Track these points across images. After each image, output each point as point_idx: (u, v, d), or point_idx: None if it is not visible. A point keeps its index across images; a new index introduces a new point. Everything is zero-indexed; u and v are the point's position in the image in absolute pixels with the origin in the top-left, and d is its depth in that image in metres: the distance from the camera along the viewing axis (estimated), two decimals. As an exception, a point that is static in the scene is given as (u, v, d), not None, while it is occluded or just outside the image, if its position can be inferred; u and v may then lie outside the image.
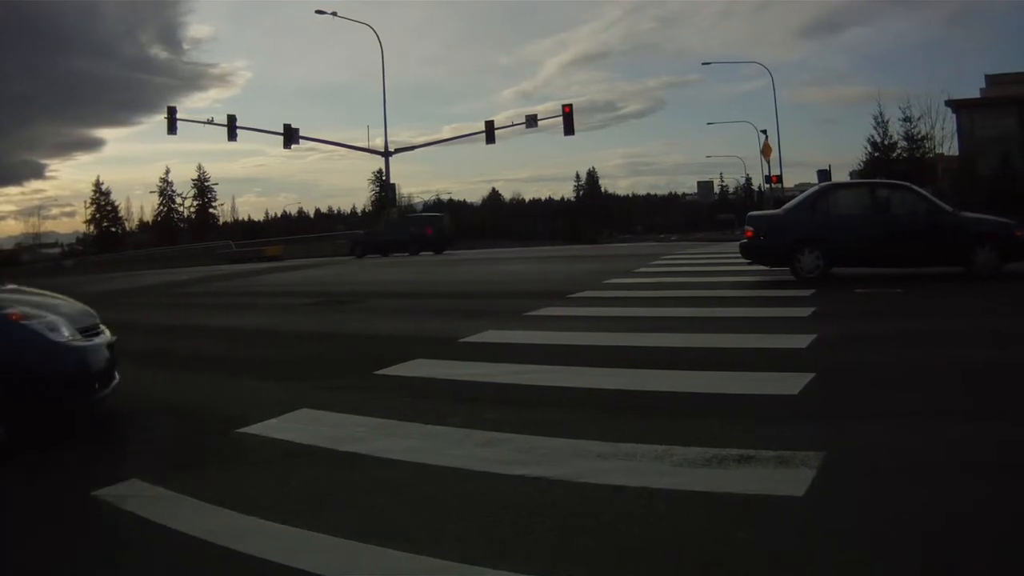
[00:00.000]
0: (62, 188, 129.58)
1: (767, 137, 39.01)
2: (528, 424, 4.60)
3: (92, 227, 77.14)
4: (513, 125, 44.74)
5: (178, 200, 77.63)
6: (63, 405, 4.91)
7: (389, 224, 33.30)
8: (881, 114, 38.91)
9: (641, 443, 4.09)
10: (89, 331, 5.20)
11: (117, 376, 5.31)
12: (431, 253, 27.50)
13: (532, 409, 5.04)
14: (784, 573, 2.70)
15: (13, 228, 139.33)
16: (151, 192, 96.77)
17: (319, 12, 37.65)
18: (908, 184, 12.65)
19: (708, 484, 3.50)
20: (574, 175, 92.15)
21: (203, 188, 77.44)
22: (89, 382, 5.00)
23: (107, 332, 5.41)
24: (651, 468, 3.76)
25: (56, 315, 5.02)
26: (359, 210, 79.87)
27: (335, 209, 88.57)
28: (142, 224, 78.97)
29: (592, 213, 72.73)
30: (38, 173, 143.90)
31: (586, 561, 2.85)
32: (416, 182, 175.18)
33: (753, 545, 2.89)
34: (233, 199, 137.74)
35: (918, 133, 37.88)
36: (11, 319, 4.77)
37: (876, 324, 7.98)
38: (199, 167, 78.43)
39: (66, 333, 4.92)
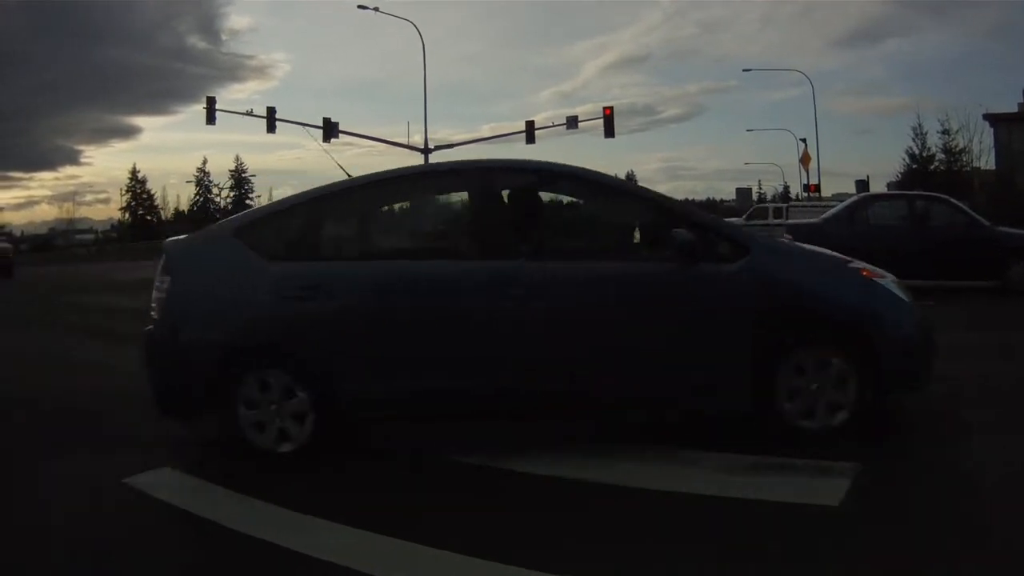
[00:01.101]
0: (97, 175, 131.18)
1: (806, 146, 38.66)
2: (564, 427, 4.64)
3: (127, 214, 77.29)
4: (554, 126, 44.26)
5: (215, 190, 77.78)
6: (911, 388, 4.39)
7: None
8: (920, 125, 38.25)
9: (678, 448, 4.15)
10: None
11: None
12: None
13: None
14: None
15: (47, 213, 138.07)
16: (187, 182, 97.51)
17: (361, 7, 37.56)
18: (946, 197, 12.60)
19: (745, 491, 3.52)
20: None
21: (240, 179, 77.66)
22: (930, 360, 4.36)
23: None
24: (687, 473, 3.80)
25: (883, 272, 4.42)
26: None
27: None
28: (178, 213, 78.28)
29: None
30: (73, 159, 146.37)
31: (618, 565, 2.89)
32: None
33: (787, 554, 2.93)
34: (270, 191, 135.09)
35: (956, 146, 37.24)
36: (863, 274, 4.32)
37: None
38: (237, 158, 78.27)
39: (906, 297, 4.34)
